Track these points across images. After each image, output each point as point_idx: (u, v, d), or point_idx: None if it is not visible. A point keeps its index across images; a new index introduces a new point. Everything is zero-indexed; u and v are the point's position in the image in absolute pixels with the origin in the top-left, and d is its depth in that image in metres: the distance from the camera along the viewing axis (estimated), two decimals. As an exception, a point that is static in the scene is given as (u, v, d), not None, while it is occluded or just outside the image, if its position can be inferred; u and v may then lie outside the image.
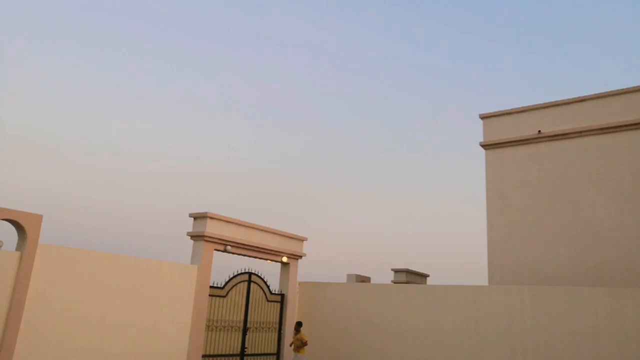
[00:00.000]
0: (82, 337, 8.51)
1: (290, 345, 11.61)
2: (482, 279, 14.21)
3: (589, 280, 12.22)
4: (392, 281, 17.48)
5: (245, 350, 11.54)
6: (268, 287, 12.50)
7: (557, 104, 14.28)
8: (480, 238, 14.55)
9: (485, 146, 15.05)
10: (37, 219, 8.02)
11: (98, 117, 30.18)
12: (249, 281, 11.94)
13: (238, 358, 11.40)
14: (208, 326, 10.81)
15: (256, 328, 11.99)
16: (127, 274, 9.35)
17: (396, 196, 34.35)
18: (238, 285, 11.67)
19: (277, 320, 12.64)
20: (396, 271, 17.80)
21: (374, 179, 35.62)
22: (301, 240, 13.59)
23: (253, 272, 12.10)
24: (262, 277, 12.34)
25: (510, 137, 14.59)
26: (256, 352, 11.88)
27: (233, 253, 11.66)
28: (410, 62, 37.46)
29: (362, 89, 37.33)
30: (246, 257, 12.16)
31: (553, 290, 10.52)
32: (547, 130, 14.11)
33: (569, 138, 13.76)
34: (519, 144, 14.48)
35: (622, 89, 13.33)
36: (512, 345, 10.38)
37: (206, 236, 10.81)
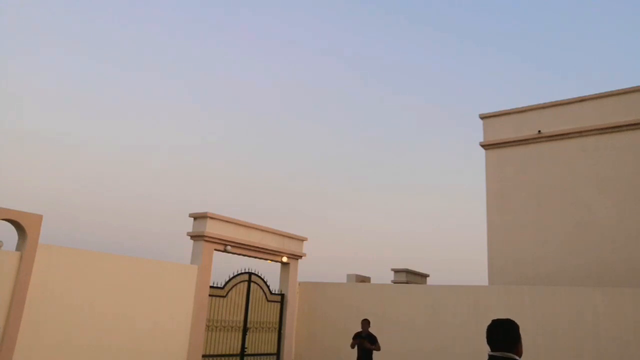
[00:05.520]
0: (81, 337, 8.51)
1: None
2: (482, 279, 14.22)
3: (589, 280, 12.22)
4: (392, 281, 17.48)
5: (245, 350, 11.55)
6: (268, 287, 12.50)
7: (557, 104, 14.27)
8: (480, 238, 14.56)
9: (485, 146, 15.05)
10: (37, 219, 8.02)
11: (98, 116, 30.18)
12: (249, 281, 11.95)
13: (238, 358, 11.40)
14: (208, 326, 10.81)
15: (256, 328, 11.99)
16: (127, 274, 9.36)
17: (396, 196, 34.36)
18: (238, 285, 11.67)
19: (277, 320, 12.64)
20: (396, 271, 17.80)
21: (373, 178, 35.63)
22: (301, 240, 13.59)
23: (253, 272, 12.11)
24: (262, 277, 12.35)
25: (510, 137, 14.59)
26: (256, 352, 11.88)
27: (233, 253, 11.66)
28: (409, 62, 37.47)
29: (361, 89, 37.33)
30: (246, 257, 12.17)
31: (553, 290, 10.52)
32: (547, 130, 14.10)
33: (569, 138, 13.76)
34: (519, 144, 14.48)
35: (622, 89, 13.32)
36: (512, 345, 10.36)
37: (206, 236, 10.81)
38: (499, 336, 3.07)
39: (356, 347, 9.66)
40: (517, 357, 3.03)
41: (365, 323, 9.85)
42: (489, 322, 3.20)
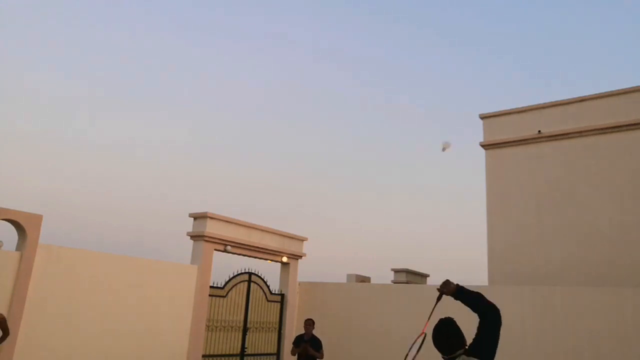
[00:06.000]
0: (81, 338, 8.51)
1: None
2: (482, 279, 14.21)
3: (589, 280, 12.21)
4: (392, 281, 17.47)
5: (245, 350, 11.54)
6: (268, 287, 12.50)
7: (557, 104, 14.26)
8: (480, 238, 14.55)
9: (485, 146, 15.04)
10: (37, 219, 8.02)
11: (98, 116, 30.18)
12: (249, 281, 11.94)
13: (238, 358, 11.40)
14: (208, 326, 10.81)
15: (256, 328, 11.98)
16: (126, 274, 9.35)
17: (396, 196, 34.37)
18: (238, 285, 11.66)
19: (277, 320, 12.64)
20: (396, 271, 17.78)
21: (373, 178, 35.63)
22: (301, 240, 13.59)
23: (253, 272, 12.10)
24: (262, 277, 12.34)
25: (510, 137, 14.58)
26: (256, 352, 11.87)
27: (233, 253, 11.66)
28: (409, 61, 37.48)
29: (361, 89, 37.34)
30: (246, 257, 12.16)
31: (553, 290, 10.51)
32: (547, 130, 14.10)
33: (569, 138, 13.75)
34: (519, 144, 14.47)
35: (622, 89, 13.31)
36: (512, 345, 10.37)
37: (206, 236, 10.81)
38: (451, 338, 3.23)
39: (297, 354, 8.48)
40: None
41: (309, 324, 8.71)
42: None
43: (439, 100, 37.01)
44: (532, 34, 36.30)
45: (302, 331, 8.79)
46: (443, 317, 3.33)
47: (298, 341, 8.58)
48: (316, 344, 8.43)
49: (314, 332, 8.70)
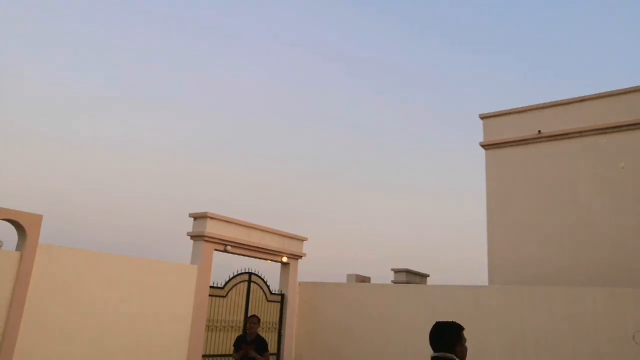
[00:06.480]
0: (82, 338, 8.50)
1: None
2: (482, 279, 14.21)
3: (589, 280, 12.22)
4: (392, 281, 17.48)
5: (245, 350, 11.53)
6: (268, 287, 12.50)
7: (557, 104, 14.26)
8: (480, 238, 14.55)
9: (485, 146, 15.04)
10: (37, 219, 8.02)
11: (98, 116, 30.18)
12: (249, 281, 11.94)
13: (238, 358, 11.39)
14: (208, 326, 10.81)
15: (256, 328, 11.97)
16: (126, 274, 9.35)
17: (396, 196, 34.36)
18: (238, 285, 11.67)
19: (277, 320, 12.64)
20: (396, 271, 17.79)
21: (373, 178, 35.63)
22: (301, 240, 13.58)
23: (253, 272, 12.10)
24: (262, 277, 12.34)
25: (510, 137, 14.58)
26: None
27: (233, 253, 11.66)
28: (409, 61, 37.48)
29: (361, 89, 37.35)
30: (246, 257, 12.16)
31: (553, 290, 10.52)
32: (547, 130, 14.10)
33: (569, 138, 13.75)
34: (519, 144, 14.47)
35: (622, 89, 13.31)
36: (512, 346, 10.37)
37: (206, 236, 10.80)
38: (437, 337, 3.24)
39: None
40: (454, 357, 3.17)
41: (254, 322, 7.31)
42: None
43: (439, 100, 37.02)
44: (532, 34, 36.30)
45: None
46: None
47: (238, 343, 7.22)
48: (261, 345, 7.09)
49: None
